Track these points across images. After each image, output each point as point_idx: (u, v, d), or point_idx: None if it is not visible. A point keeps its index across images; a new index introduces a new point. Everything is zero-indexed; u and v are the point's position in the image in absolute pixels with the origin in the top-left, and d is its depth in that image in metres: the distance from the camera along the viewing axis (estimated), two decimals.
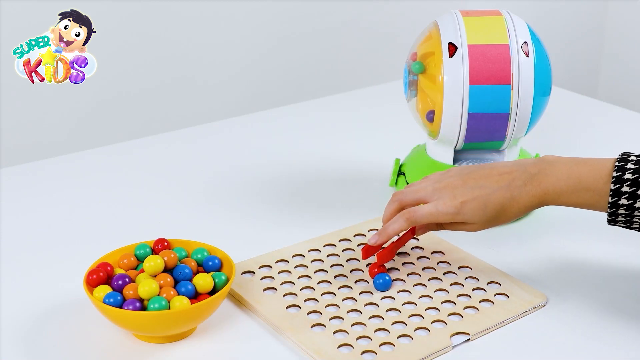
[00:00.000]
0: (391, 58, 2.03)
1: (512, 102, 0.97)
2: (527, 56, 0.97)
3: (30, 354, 0.77)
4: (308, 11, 2.03)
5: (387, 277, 0.86)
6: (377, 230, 0.98)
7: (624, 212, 0.80)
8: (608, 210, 0.81)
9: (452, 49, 0.97)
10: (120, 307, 0.76)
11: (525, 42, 0.97)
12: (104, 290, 0.77)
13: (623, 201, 0.79)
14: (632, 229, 0.82)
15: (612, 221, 0.82)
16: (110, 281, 0.79)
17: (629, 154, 0.80)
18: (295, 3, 2.00)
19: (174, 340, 0.79)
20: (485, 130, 0.99)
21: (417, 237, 0.94)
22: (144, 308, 0.76)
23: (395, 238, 0.92)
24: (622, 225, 0.82)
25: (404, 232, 0.90)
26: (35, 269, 0.92)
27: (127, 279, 0.79)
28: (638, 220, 0.80)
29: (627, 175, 0.79)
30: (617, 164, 0.80)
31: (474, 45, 0.96)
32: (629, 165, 0.79)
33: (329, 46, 2.09)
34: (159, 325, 0.75)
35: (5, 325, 0.81)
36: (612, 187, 0.79)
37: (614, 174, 0.79)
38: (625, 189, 0.79)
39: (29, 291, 0.87)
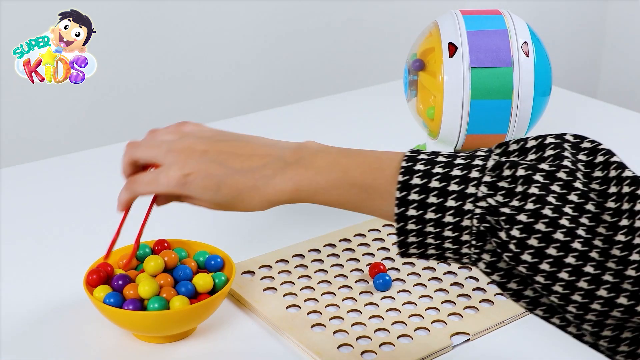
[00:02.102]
0: (391, 58, 2.03)
1: (512, 102, 0.97)
2: (527, 56, 0.97)
3: (30, 354, 0.77)
4: (308, 11, 2.03)
5: (387, 277, 0.86)
6: (377, 230, 0.98)
7: (413, 227, 0.63)
8: (395, 217, 0.63)
9: (452, 49, 0.97)
10: (120, 307, 0.76)
11: (525, 42, 0.97)
12: (104, 290, 0.77)
13: (411, 212, 0.63)
14: (426, 256, 0.64)
15: (401, 235, 0.63)
16: (110, 281, 0.79)
17: (418, 152, 0.65)
18: (295, 3, 2.00)
19: (174, 340, 0.79)
20: (485, 131, 0.99)
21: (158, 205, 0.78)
22: (144, 308, 0.76)
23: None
24: (415, 249, 0.64)
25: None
26: (35, 268, 0.92)
27: (127, 279, 0.79)
28: (431, 240, 0.63)
29: (416, 180, 0.63)
30: (404, 164, 0.64)
31: (475, 41, 0.96)
32: (418, 167, 0.64)
33: (329, 46, 2.09)
34: (158, 325, 0.75)
35: (5, 325, 0.81)
36: (398, 194, 0.63)
37: (400, 177, 0.63)
38: (414, 196, 0.62)
39: (29, 291, 0.87)
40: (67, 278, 0.88)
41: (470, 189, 0.62)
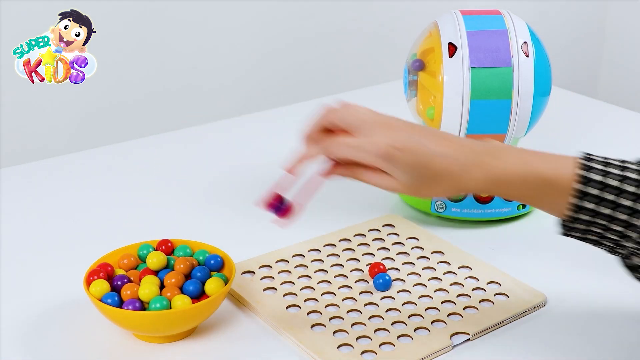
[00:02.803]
0: (391, 58, 2.03)
1: (512, 102, 0.97)
2: (527, 56, 0.97)
3: (30, 354, 0.77)
4: (308, 11, 2.02)
5: (387, 277, 0.86)
6: (377, 230, 0.98)
7: (585, 217, 0.70)
8: (568, 211, 0.70)
9: (452, 49, 0.97)
10: (120, 307, 0.76)
11: (525, 42, 0.97)
12: (101, 284, 0.77)
13: (587, 204, 0.70)
14: (585, 240, 0.73)
15: (567, 227, 0.72)
16: (111, 282, 0.80)
17: (590, 155, 0.72)
18: (296, 3, 2.00)
19: (174, 340, 0.79)
20: (485, 131, 0.99)
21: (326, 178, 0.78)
22: (144, 308, 0.76)
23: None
24: (578, 234, 0.72)
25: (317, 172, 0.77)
26: (36, 269, 0.92)
27: (127, 280, 0.79)
28: (596, 229, 0.71)
29: (594, 176, 0.70)
30: (581, 161, 0.70)
31: (474, 42, 0.96)
32: (595, 166, 0.70)
33: (329, 46, 2.09)
34: (158, 325, 0.75)
35: (5, 325, 0.81)
36: (577, 186, 0.69)
37: (580, 172, 0.70)
38: (593, 191, 0.69)
39: (29, 291, 0.87)
40: (67, 278, 0.87)
41: None
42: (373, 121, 0.74)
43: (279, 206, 0.76)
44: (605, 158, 0.71)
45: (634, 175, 0.69)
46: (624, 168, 0.70)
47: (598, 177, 0.69)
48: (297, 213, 0.76)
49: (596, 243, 0.73)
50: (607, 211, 0.69)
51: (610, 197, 0.69)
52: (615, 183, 0.69)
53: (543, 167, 0.71)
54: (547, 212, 0.73)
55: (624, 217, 0.69)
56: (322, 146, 0.74)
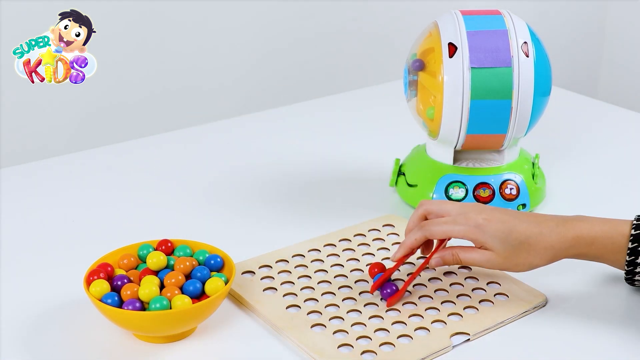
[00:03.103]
0: (391, 58, 2.03)
1: (512, 102, 0.97)
2: (527, 56, 0.97)
3: (30, 354, 0.77)
4: (308, 11, 2.03)
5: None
6: (377, 230, 0.98)
7: None
8: (625, 268, 0.81)
9: (452, 49, 0.97)
10: (120, 307, 0.76)
11: (525, 42, 0.97)
12: (101, 284, 0.77)
13: None
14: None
15: (630, 280, 0.83)
16: (111, 282, 0.80)
17: None
18: (296, 3, 2.00)
19: (174, 340, 0.79)
20: (485, 131, 0.99)
21: (433, 268, 0.88)
22: (144, 308, 0.76)
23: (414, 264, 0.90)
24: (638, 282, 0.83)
25: (424, 257, 0.89)
26: (36, 269, 0.92)
27: (127, 280, 0.79)
28: None
29: None
30: (635, 222, 0.80)
31: (475, 42, 0.96)
32: None
33: (329, 46, 2.09)
34: (158, 325, 0.75)
35: (5, 325, 0.81)
36: (630, 245, 0.79)
37: (633, 232, 0.79)
38: None
39: (29, 291, 0.87)
40: (67, 278, 0.87)
41: None
42: (465, 204, 0.84)
43: (389, 292, 0.83)
44: None
45: None
46: None
47: None
48: (402, 297, 0.84)
49: None
50: None
51: None
52: None
53: (627, 225, 0.80)
54: (610, 265, 0.82)
55: None
56: (423, 228, 0.83)
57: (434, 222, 0.83)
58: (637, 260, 0.80)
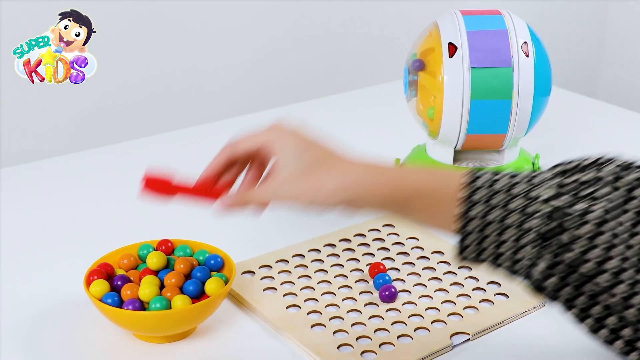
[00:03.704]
0: (391, 58, 2.03)
1: (512, 102, 0.97)
2: (527, 56, 0.97)
3: (30, 354, 0.77)
4: (308, 11, 2.02)
5: (387, 277, 0.85)
6: (377, 230, 0.98)
7: (475, 227, 0.65)
8: (456, 223, 0.66)
9: (452, 49, 0.97)
10: (120, 307, 0.76)
11: (525, 42, 0.97)
12: (101, 284, 0.77)
13: (474, 212, 0.65)
14: (481, 261, 0.67)
15: (461, 247, 0.67)
16: (111, 282, 0.80)
17: (479, 169, 0.69)
18: (296, 3, 2.00)
19: (174, 340, 0.79)
20: (485, 131, 0.99)
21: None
22: (144, 308, 0.76)
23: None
24: (473, 253, 0.67)
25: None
26: (35, 269, 0.92)
27: (127, 280, 0.79)
28: (489, 244, 0.66)
29: (481, 182, 0.66)
30: (467, 173, 0.68)
31: (474, 42, 0.96)
32: (482, 175, 0.67)
33: (329, 46, 2.09)
34: (158, 325, 0.75)
35: (5, 325, 0.81)
36: (462, 194, 0.66)
37: (465, 179, 0.67)
38: (478, 196, 0.65)
39: (29, 291, 0.87)
40: (67, 278, 0.87)
41: (535, 192, 0.63)
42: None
43: (389, 294, 0.83)
44: (494, 172, 0.68)
45: (519, 180, 0.65)
46: (512, 176, 0.67)
47: (485, 182, 0.65)
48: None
49: (493, 262, 0.67)
50: (496, 215, 0.64)
51: (499, 201, 0.64)
52: (502, 186, 0.65)
53: (433, 176, 0.69)
54: (437, 227, 0.69)
55: (515, 220, 0.64)
56: (226, 146, 0.78)
57: (241, 135, 0.77)
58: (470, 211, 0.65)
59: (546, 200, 0.63)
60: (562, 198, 0.63)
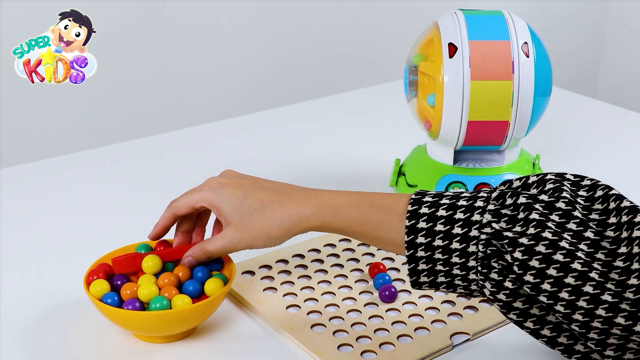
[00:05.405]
0: (391, 58, 2.03)
1: (513, 103, 0.97)
2: (527, 56, 0.97)
3: (30, 354, 0.77)
4: (309, 11, 2.03)
5: (387, 277, 0.85)
6: None
7: (423, 253, 0.68)
8: (405, 245, 0.68)
9: (452, 49, 0.97)
10: (120, 307, 0.76)
11: (525, 43, 0.97)
12: (101, 284, 0.77)
13: (420, 239, 0.68)
14: (436, 285, 0.70)
15: (413, 270, 0.69)
16: (111, 282, 0.79)
17: (424, 192, 0.71)
18: (296, 3, 2.00)
19: (174, 340, 0.79)
20: (486, 131, 0.99)
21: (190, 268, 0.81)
22: (144, 308, 0.76)
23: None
24: (426, 277, 0.69)
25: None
26: (36, 268, 0.92)
27: (126, 280, 0.79)
28: (439, 265, 0.68)
29: (424, 210, 0.68)
30: (413, 196, 0.70)
31: (475, 42, 0.96)
32: (426, 199, 0.69)
33: (329, 46, 2.09)
34: (158, 326, 0.75)
35: (5, 325, 0.81)
36: (407, 222, 0.68)
37: (409, 207, 0.69)
38: (422, 224, 0.68)
39: (29, 291, 0.87)
40: (67, 278, 0.88)
41: (476, 217, 0.67)
42: (217, 183, 0.79)
43: (389, 294, 0.83)
44: (439, 193, 0.70)
45: (464, 202, 0.68)
46: (455, 197, 0.69)
47: (428, 203, 0.69)
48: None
49: (449, 285, 0.70)
50: (440, 242, 0.67)
51: (442, 228, 0.67)
52: (444, 213, 0.68)
53: (379, 197, 0.72)
54: (388, 249, 0.72)
55: (459, 247, 0.67)
56: (170, 205, 0.80)
57: (181, 196, 0.79)
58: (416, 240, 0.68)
59: (485, 225, 0.66)
60: (501, 221, 0.66)
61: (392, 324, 0.80)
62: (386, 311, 0.82)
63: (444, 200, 0.69)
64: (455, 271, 0.68)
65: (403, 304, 0.83)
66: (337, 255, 0.92)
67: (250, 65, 1.99)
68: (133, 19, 1.79)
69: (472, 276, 0.68)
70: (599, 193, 0.68)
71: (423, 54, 1.01)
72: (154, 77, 1.86)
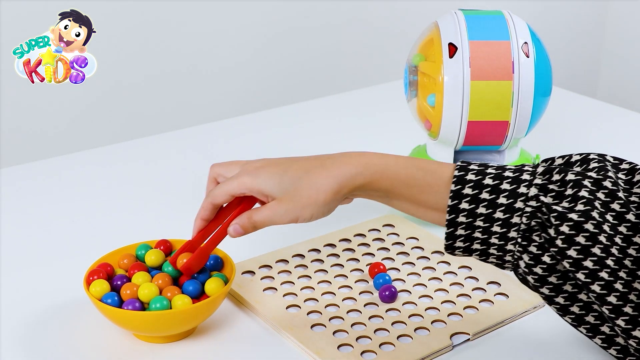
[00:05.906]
0: (391, 58, 2.03)
1: (513, 103, 0.97)
2: (527, 56, 0.97)
3: (30, 354, 0.77)
4: (308, 11, 2.03)
5: (387, 277, 0.85)
6: (377, 230, 0.98)
7: (464, 219, 0.68)
8: (447, 209, 0.69)
9: (452, 49, 0.97)
10: (120, 307, 0.76)
11: (525, 43, 0.97)
12: (101, 284, 0.77)
13: (464, 205, 0.68)
14: (471, 252, 0.70)
15: (451, 235, 0.69)
16: (111, 281, 0.79)
17: (469, 162, 0.71)
18: (296, 3, 2.00)
19: (174, 340, 0.79)
20: (486, 131, 0.99)
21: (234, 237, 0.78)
22: (144, 308, 0.76)
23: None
24: (461, 243, 0.70)
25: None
26: (35, 268, 0.92)
27: (127, 280, 0.79)
28: (478, 233, 0.69)
29: (470, 176, 0.69)
30: (459, 163, 0.70)
31: (475, 42, 0.96)
32: (472, 167, 0.70)
33: (329, 46, 2.09)
34: (158, 325, 0.75)
35: (5, 325, 0.81)
36: (453, 187, 0.68)
37: (456, 172, 0.69)
38: (467, 190, 0.68)
39: (29, 291, 0.87)
40: (67, 278, 0.87)
41: (522, 189, 0.67)
42: (251, 160, 0.78)
43: (389, 294, 0.83)
44: (484, 165, 0.70)
45: (510, 174, 0.69)
46: (501, 169, 0.70)
47: (474, 177, 0.69)
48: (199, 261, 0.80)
49: (482, 253, 0.70)
50: (484, 210, 0.68)
51: (487, 196, 0.68)
52: (490, 182, 0.68)
53: (425, 161, 0.72)
54: (424, 217, 0.72)
55: (502, 216, 0.67)
56: (208, 195, 0.77)
57: (218, 185, 0.77)
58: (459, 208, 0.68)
59: (531, 198, 0.67)
60: (547, 196, 0.66)
61: (392, 324, 0.80)
62: (386, 311, 0.82)
63: (490, 170, 0.69)
64: (493, 240, 0.68)
65: (403, 304, 0.83)
66: (337, 255, 0.92)
67: (250, 65, 1.99)
68: (133, 19, 1.79)
69: (509, 247, 0.68)
70: (638, 177, 0.68)
71: (423, 54, 1.01)
72: (154, 77, 1.86)
